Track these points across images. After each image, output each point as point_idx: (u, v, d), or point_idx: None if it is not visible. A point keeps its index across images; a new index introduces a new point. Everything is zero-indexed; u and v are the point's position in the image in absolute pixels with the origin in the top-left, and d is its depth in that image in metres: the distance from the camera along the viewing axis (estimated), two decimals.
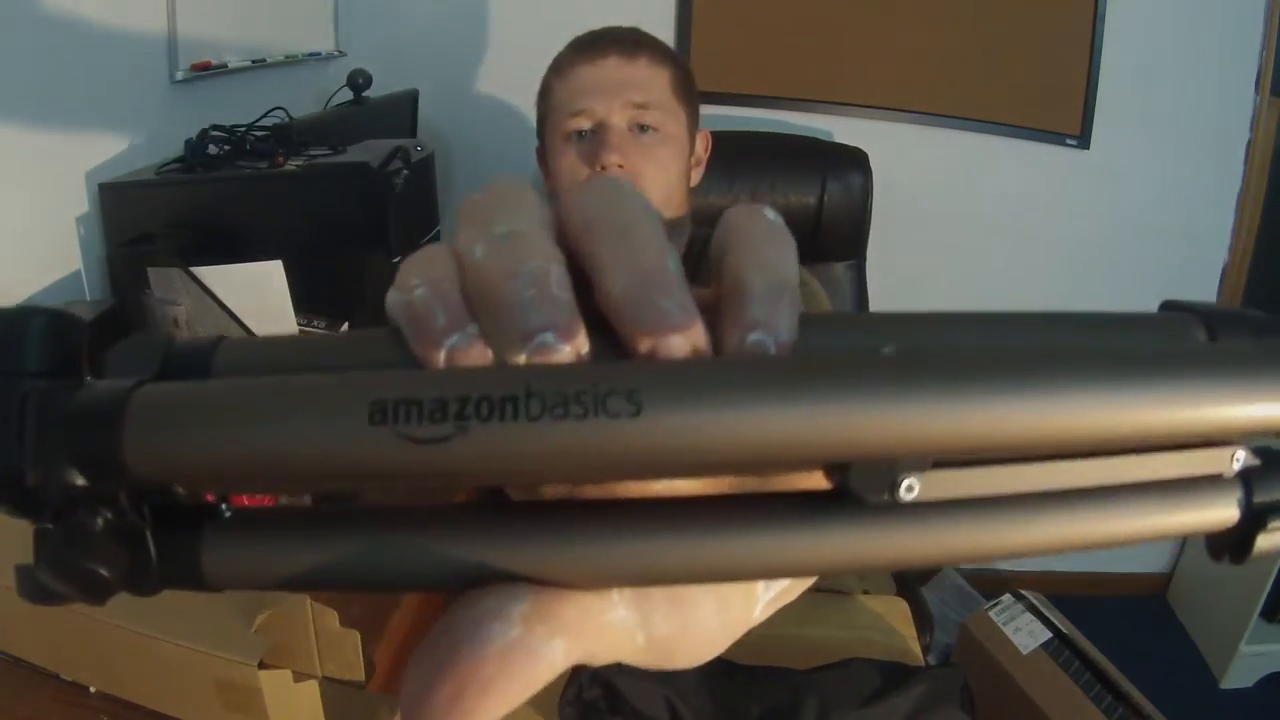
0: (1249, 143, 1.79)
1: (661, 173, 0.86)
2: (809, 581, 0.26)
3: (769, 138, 1.52)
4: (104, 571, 0.15)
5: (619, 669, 0.80)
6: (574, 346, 0.15)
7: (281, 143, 1.04)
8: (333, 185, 0.95)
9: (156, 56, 1.17)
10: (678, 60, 0.92)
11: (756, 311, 0.16)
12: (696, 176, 0.95)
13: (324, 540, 0.17)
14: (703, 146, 0.95)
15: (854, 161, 1.39)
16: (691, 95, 0.91)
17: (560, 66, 0.89)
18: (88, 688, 0.75)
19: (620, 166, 0.83)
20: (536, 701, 0.83)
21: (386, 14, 1.79)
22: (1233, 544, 0.19)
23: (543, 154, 0.93)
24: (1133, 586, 2.23)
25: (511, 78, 1.81)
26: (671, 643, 0.18)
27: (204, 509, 0.17)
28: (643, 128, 0.85)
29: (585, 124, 0.85)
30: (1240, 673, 1.96)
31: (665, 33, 1.62)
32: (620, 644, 0.17)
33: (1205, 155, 1.80)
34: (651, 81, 0.86)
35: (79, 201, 1.03)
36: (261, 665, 0.65)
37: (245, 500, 0.93)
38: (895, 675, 0.81)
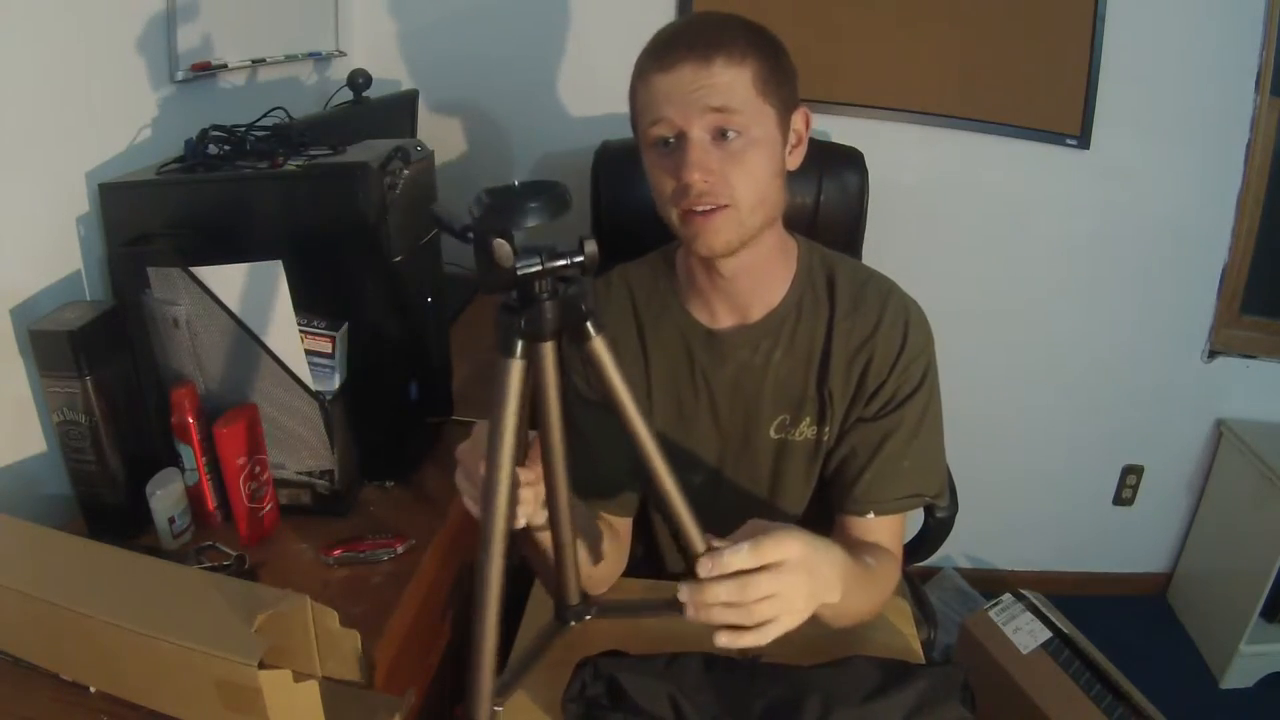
0: (1249, 143, 1.79)
1: (748, 177, 0.83)
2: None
3: None
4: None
5: (622, 665, 0.80)
6: None
7: (281, 143, 1.03)
8: (333, 185, 0.95)
9: (156, 56, 1.17)
10: (763, 48, 0.84)
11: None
12: (797, 159, 0.91)
13: None
14: (802, 124, 0.91)
15: (850, 161, 1.39)
16: (781, 83, 0.85)
17: (640, 70, 0.85)
18: (88, 688, 0.75)
19: (705, 181, 0.82)
20: (540, 698, 0.83)
21: (386, 14, 1.79)
22: None
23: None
24: (1133, 586, 2.23)
25: (511, 78, 1.81)
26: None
27: None
28: (724, 133, 0.82)
29: (666, 132, 0.83)
30: (1240, 673, 1.96)
31: None
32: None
33: (1205, 155, 1.80)
34: (730, 85, 0.81)
35: (79, 201, 1.03)
36: (261, 665, 0.65)
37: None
38: (896, 672, 0.81)
